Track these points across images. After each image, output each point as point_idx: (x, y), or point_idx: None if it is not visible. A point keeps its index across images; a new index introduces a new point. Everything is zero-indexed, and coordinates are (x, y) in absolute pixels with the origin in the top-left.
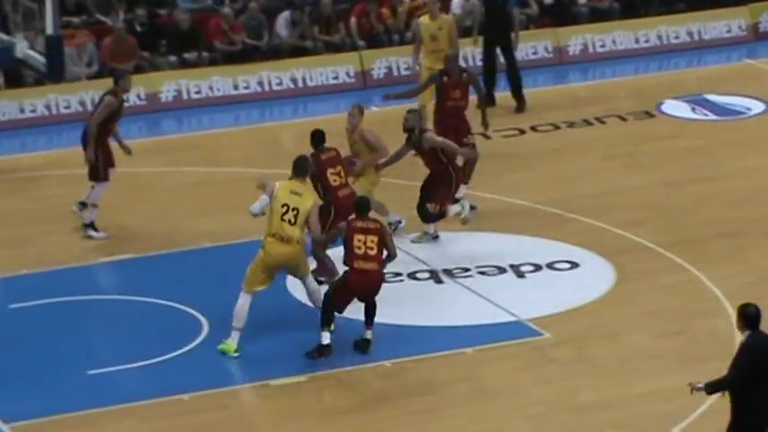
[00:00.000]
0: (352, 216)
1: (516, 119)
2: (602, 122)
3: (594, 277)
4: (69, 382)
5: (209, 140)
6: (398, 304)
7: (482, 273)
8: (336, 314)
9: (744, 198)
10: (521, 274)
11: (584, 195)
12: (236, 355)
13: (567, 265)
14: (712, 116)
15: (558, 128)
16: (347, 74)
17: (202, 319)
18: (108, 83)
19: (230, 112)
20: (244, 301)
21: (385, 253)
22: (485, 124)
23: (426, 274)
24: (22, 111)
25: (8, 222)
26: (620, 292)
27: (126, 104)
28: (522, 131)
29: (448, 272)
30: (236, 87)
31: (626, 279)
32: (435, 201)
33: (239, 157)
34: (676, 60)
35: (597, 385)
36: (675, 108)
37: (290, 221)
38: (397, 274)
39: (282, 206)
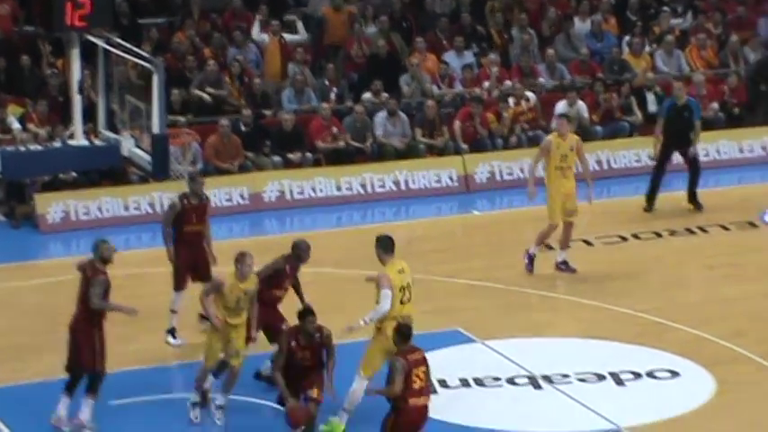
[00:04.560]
0: (404, 348)
1: (619, 227)
2: (705, 231)
3: (695, 387)
4: None
5: (310, 240)
6: (497, 409)
7: (582, 380)
8: None
9: None
10: (620, 382)
11: (686, 304)
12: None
13: (668, 374)
14: None
15: (659, 236)
16: (450, 177)
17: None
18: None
19: (333, 213)
20: (359, 386)
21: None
22: None
23: (525, 380)
24: (126, 208)
25: (110, 319)
26: (720, 403)
27: (229, 204)
28: (625, 239)
29: (547, 378)
30: (338, 188)
31: (727, 390)
32: None
33: (339, 258)
34: None
35: None
36: None
37: (408, 300)
38: (496, 379)
39: (400, 290)
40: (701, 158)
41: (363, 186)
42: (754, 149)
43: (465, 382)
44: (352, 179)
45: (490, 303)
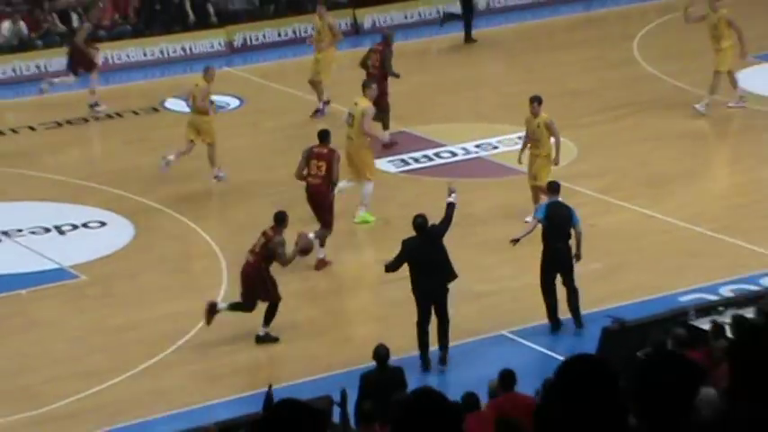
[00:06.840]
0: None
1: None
2: (121, 116)
3: (119, 231)
4: None
5: None
6: None
7: (33, 232)
8: None
9: (244, 166)
10: (62, 232)
11: (108, 171)
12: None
13: (98, 224)
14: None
15: (87, 121)
16: None
17: None
18: None
19: None
20: (370, 186)
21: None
22: None
23: None
24: None
25: None
26: (139, 243)
27: None
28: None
29: (5, 232)
30: None
31: (143, 233)
32: None
33: None
34: (174, 68)
35: (123, 313)
36: (176, 104)
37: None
38: None
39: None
40: (116, 61)
41: None
42: (155, 53)
43: None
44: None
45: None
